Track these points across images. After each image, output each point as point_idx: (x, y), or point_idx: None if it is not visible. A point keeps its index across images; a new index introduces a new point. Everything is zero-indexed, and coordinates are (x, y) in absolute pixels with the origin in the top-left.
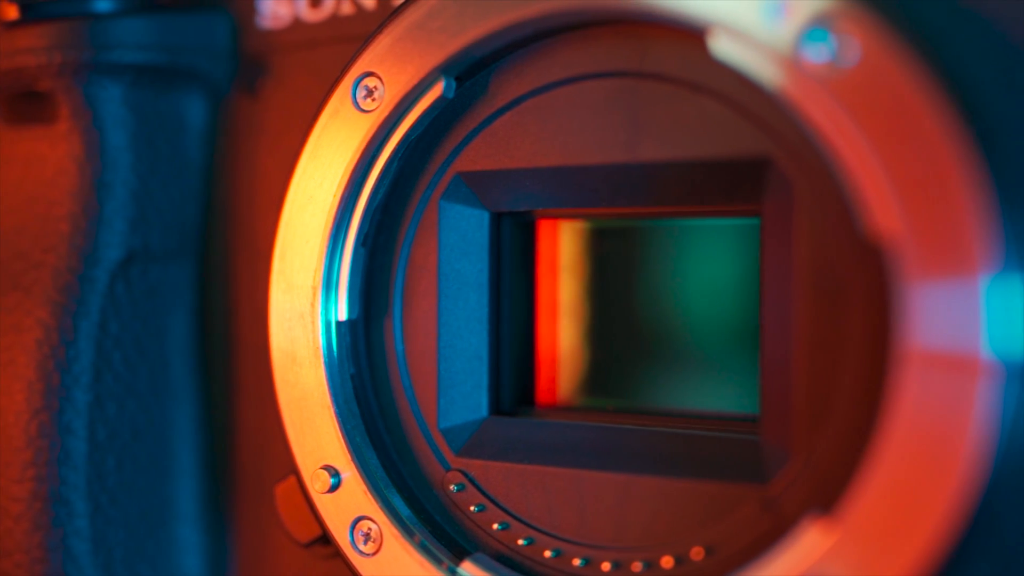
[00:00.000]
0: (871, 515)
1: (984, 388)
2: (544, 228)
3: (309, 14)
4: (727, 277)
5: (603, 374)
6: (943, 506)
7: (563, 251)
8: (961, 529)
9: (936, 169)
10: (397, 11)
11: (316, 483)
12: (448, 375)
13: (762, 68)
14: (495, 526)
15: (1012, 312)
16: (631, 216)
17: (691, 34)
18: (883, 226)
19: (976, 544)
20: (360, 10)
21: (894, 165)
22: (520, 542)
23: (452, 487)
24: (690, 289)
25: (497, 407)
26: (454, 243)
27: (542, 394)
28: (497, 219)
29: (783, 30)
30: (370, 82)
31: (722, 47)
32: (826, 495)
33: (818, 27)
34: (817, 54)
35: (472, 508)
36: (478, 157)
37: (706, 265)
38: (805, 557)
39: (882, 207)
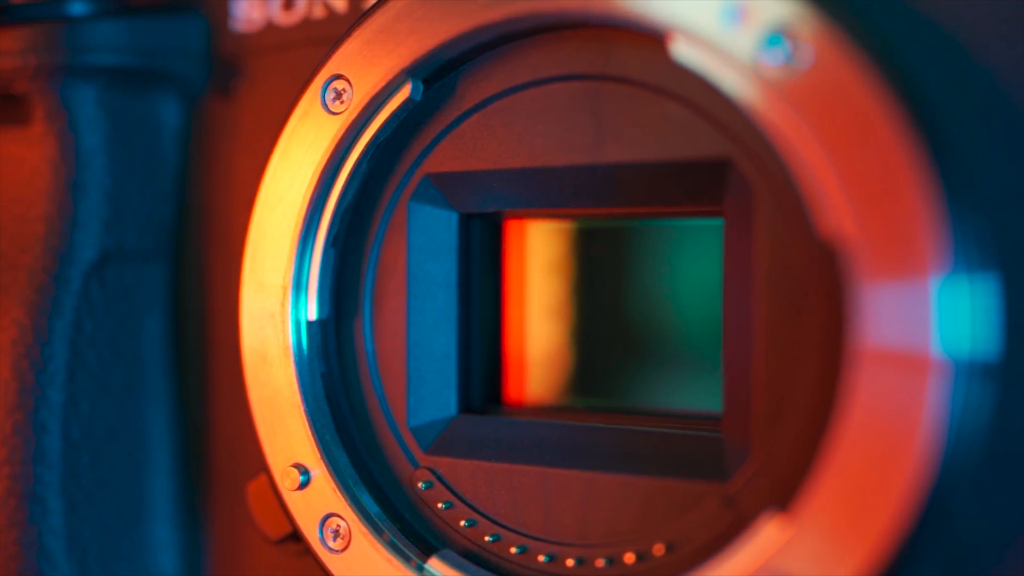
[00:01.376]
0: (825, 511)
1: (934, 386)
2: (512, 229)
3: (282, 17)
4: (705, 277)
5: (575, 373)
6: (895, 501)
7: (534, 251)
8: (913, 523)
9: (888, 172)
10: (366, 14)
11: (286, 481)
12: (417, 374)
13: (720, 72)
14: (462, 523)
15: (961, 312)
16: (597, 217)
17: (653, 38)
18: (836, 228)
19: (928, 538)
20: (331, 13)
21: (847, 168)
22: (486, 539)
23: (420, 484)
24: (666, 289)
25: (467, 406)
26: (423, 244)
27: (511, 393)
28: (466, 220)
29: (741, 35)
30: (339, 84)
31: (682, 51)
32: (783, 492)
33: (774, 32)
34: (773, 58)
35: (440, 505)
36: (446, 159)
37: (684, 265)
38: (761, 553)
39: (835, 209)
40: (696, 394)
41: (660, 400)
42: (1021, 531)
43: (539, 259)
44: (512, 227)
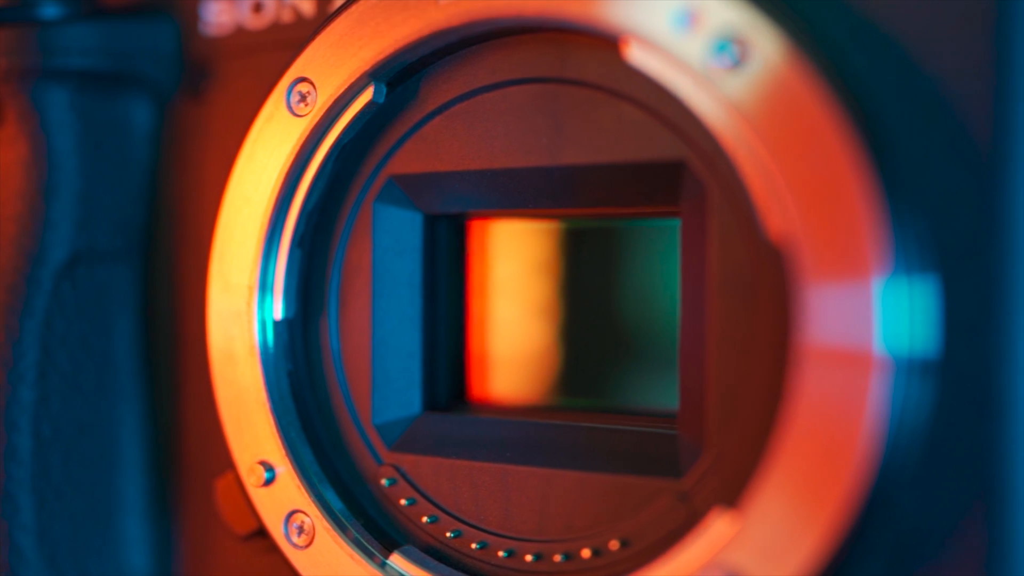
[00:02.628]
0: (772, 506)
1: (877, 383)
2: (475, 229)
3: (251, 21)
4: (670, 277)
5: (540, 371)
6: (840, 495)
7: (497, 252)
8: (858, 516)
9: (833, 175)
10: (330, 18)
11: (251, 477)
12: (382, 372)
13: (672, 76)
14: (424, 519)
15: (902, 312)
16: (558, 218)
17: (608, 42)
18: (782, 229)
19: (873, 530)
20: (300, 17)
21: (793, 171)
22: (448, 534)
23: (384, 481)
24: (632, 288)
25: (433, 403)
26: (388, 244)
27: (476, 391)
28: (431, 221)
29: (691, 40)
30: (303, 87)
31: (636, 55)
32: (734, 487)
33: (723, 37)
34: (722, 63)
35: (403, 502)
36: (410, 160)
37: (648, 265)
38: (709, 548)
39: (781, 211)
40: (657, 392)
41: (622, 398)
42: (961, 522)
43: (503, 259)
44: (475, 227)
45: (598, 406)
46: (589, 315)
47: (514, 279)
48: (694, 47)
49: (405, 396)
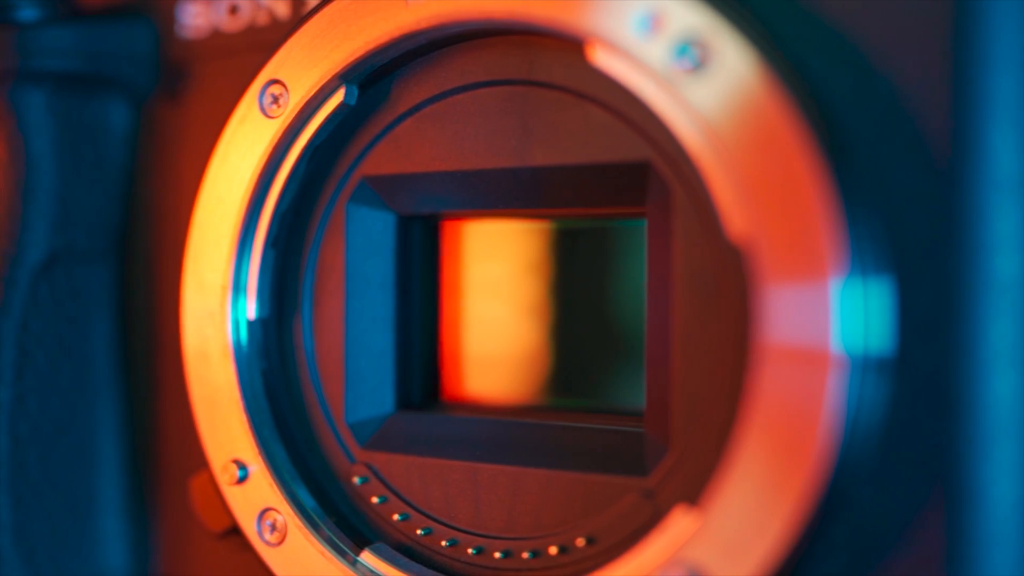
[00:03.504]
0: (733, 503)
1: (834, 381)
2: (448, 229)
3: (227, 23)
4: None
5: (514, 370)
6: (799, 491)
7: (470, 252)
8: (816, 512)
9: (791, 177)
10: (302, 20)
11: (225, 476)
12: (355, 371)
13: (634, 77)
14: (396, 517)
15: (858, 311)
16: (527, 218)
17: (574, 45)
18: (741, 231)
19: (831, 526)
20: (275, 20)
21: (752, 172)
22: (419, 532)
23: (356, 479)
24: (604, 287)
25: (406, 402)
26: (361, 245)
27: (449, 390)
28: (405, 221)
29: (653, 43)
30: (275, 89)
31: (600, 58)
32: (697, 485)
33: (685, 41)
34: (683, 65)
35: (375, 499)
36: (382, 161)
37: (618, 265)
38: (670, 545)
39: (740, 212)
40: (627, 391)
41: (593, 397)
42: (919, 516)
43: (475, 259)
44: (448, 228)
45: (569, 405)
46: (562, 315)
47: (487, 279)
48: (656, 50)
49: (378, 395)
